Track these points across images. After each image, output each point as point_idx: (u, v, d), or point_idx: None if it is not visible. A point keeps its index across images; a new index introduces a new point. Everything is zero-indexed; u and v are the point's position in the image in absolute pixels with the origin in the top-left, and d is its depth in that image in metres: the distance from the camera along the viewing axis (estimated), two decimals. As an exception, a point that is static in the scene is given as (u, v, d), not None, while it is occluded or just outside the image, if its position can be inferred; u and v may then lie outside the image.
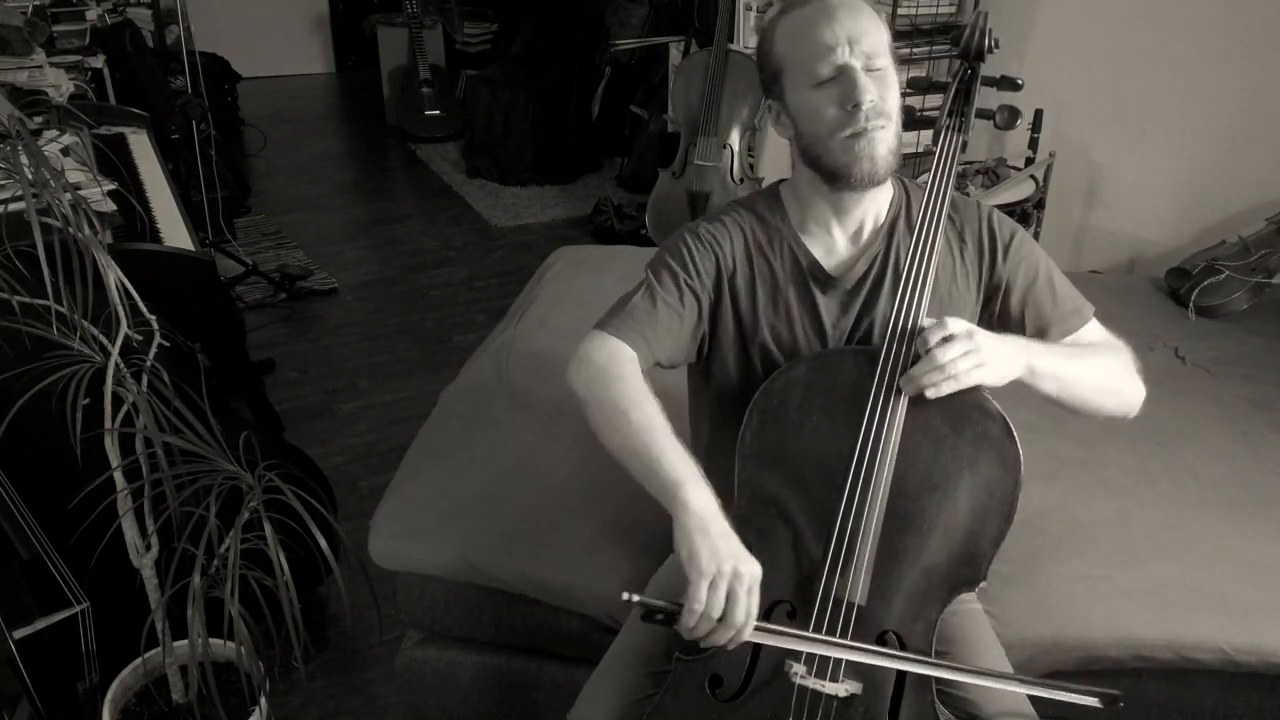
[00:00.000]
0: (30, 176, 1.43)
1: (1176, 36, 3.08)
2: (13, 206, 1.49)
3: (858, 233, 1.38)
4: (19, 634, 1.64)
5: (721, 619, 1.10)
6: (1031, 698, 1.28)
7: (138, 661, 1.69)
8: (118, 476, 1.51)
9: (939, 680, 1.25)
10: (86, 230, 1.44)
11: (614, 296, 1.38)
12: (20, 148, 1.46)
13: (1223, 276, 2.57)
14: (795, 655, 1.21)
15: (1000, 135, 3.52)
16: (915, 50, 3.42)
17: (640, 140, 4.89)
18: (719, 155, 3.75)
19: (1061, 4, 3.40)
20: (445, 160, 5.37)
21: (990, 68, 1.40)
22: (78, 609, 1.70)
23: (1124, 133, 3.28)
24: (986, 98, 1.39)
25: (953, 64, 1.40)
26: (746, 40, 3.96)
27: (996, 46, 1.37)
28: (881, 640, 1.22)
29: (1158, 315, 2.54)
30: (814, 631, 1.20)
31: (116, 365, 1.48)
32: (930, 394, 1.18)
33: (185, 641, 1.55)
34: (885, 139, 1.27)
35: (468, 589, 1.71)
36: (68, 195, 1.45)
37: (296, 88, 6.61)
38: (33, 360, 1.45)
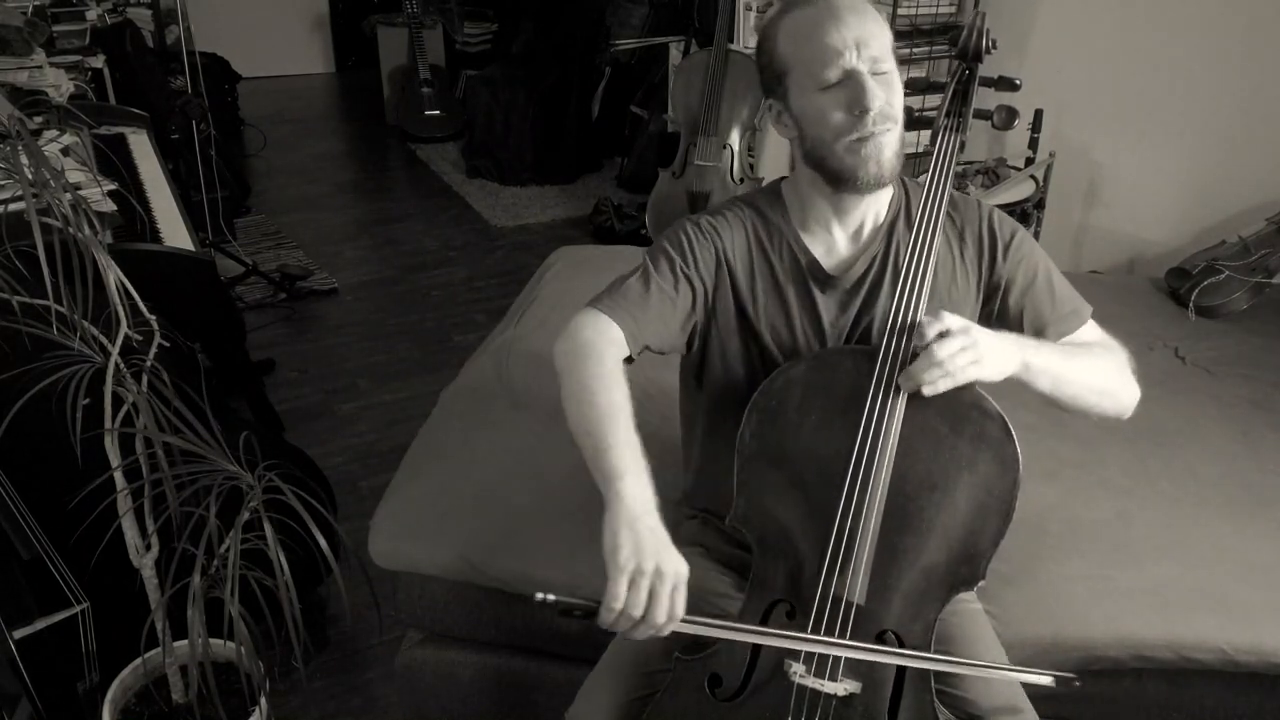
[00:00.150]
0: (30, 176, 1.43)
1: (1176, 36, 3.08)
2: (13, 206, 1.49)
3: (858, 232, 1.38)
4: (19, 634, 1.64)
5: (643, 617, 1.08)
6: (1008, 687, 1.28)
7: (138, 661, 1.69)
8: (118, 476, 1.51)
9: (937, 679, 1.25)
10: (86, 230, 1.44)
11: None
12: (20, 148, 1.46)
13: (1223, 276, 2.57)
14: (794, 654, 1.21)
15: (1000, 135, 3.52)
16: (915, 50, 3.42)
17: (640, 140, 4.89)
18: (719, 155, 3.75)
19: (1061, 4, 3.40)
20: (445, 160, 5.37)
21: (989, 68, 1.40)
22: (78, 609, 1.71)
23: (1124, 133, 3.29)
24: (985, 98, 1.39)
25: (951, 64, 1.40)
26: (746, 40, 3.96)
27: (994, 47, 1.37)
28: (881, 639, 1.22)
29: (1158, 315, 2.54)
30: (812, 631, 1.20)
31: (116, 365, 1.48)
32: (928, 391, 1.18)
33: (185, 641, 1.55)
34: (891, 142, 1.27)
35: (468, 589, 1.71)
36: (68, 195, 1.45)
37: (296, 88, 6.61)
38: (33, 360, 1.45)
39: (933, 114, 1.39)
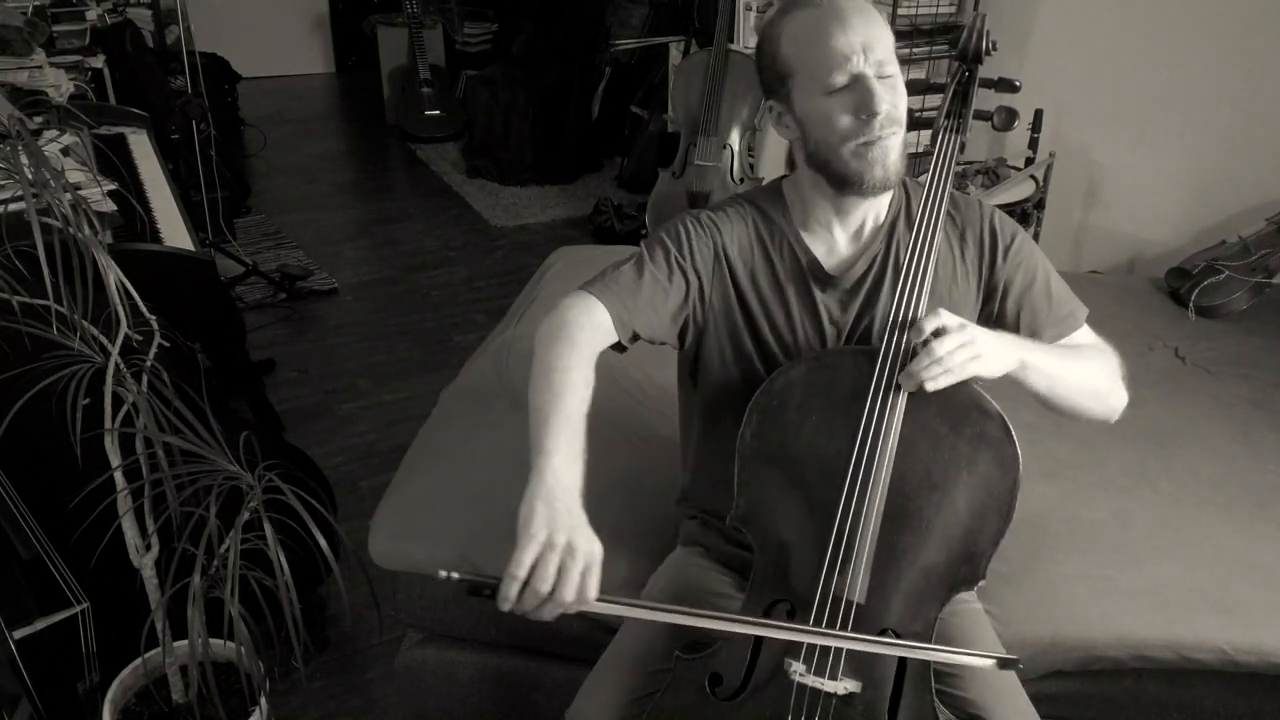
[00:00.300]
0: (30, 176, 1.43)
1: (1176, 36, 3.08)
2: (13, 206, 1.49)
3: (859, 232, 1.38)
4: (19, 634, 1.64)
5: (550, 594, 1.04)
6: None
7: (138, 661, 1.69)
8: (118, 476, 1.51)
9: (938, 678, 1.25)
10: (86, 230, 1.44)
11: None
12: (20, 148, 1.46)
13: (1223, 276, 2.57)
14: (794, 653, 1.21)
15: (1000, 135, 3.52)
16: (915, 51, 3.42)
17: (640, 140, 4.89)
18: (719, 155, 3.75)
19: (1061, 4, 3.40)
20: (445, 160, 5.37)
21: (989, 69, 1.40)
22: (78, 609, 1.70)
23: (1124, 133, 3.29)
24: (985, 99, 1.39)
25: (951, 65, 1.40)
26: (746, 40, 3.96)
27: (994, 48, 1.37)
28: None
29: (1158, 315, 2.54)
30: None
31: (116, 365, 1.48)
32: (929, 386, 1.18)
33: (185, 641, 1.55)
34: (896, 145, 1.27)
35: (468, 589, 1.71)
36: (68, 195, 1.45)
37: (296, 88, 6.61)
38: (33, 360, 1.45)
39: (933, 115, 1.39)
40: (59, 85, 3.11)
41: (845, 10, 1.25)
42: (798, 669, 1.20)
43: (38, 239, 1.36)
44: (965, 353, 1.17)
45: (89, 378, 1.45)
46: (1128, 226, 3.35)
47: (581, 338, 1.24)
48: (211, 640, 1.55)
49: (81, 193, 1.71)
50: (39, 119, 2.32)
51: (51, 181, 1.45)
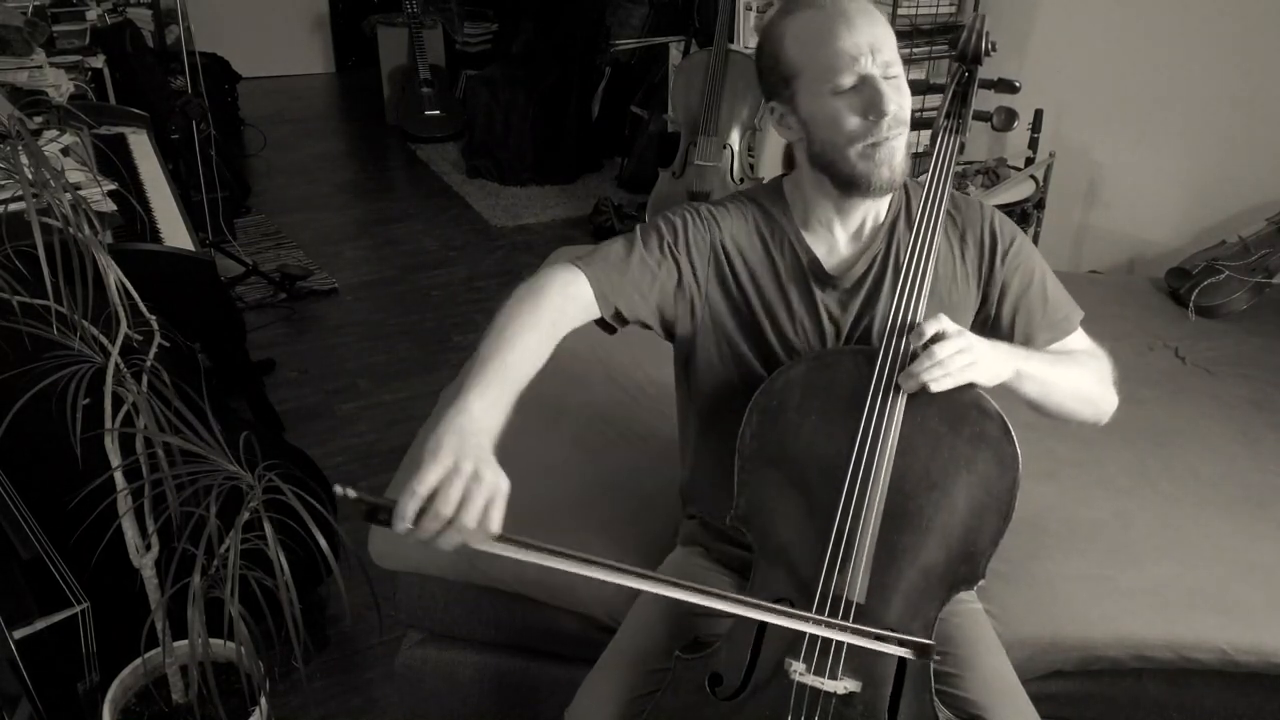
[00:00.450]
0: (30, 176, 1.43)
1: (1176, 36, 3.08)
2: (13, 206, 1.49)
3: (859, 231, 1.38)
4: (19, 634, 1.64)
5: (451, 520, 1.01)
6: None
7: (138, 661, 1.69)
8: (118, 476, 1.51)
9: (938, 678, 1.25)
10: (86, 230, 1.44)
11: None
12: (20, 148, 1.46)
13: (1223, 276, 2.57)
14: (794, 653, 1.21)
15: (1000, 135, 3.52)
16: (915, 51, 3.42)
17: (640, 140, 4.89)
18: (719, 155, 3.75)
19: (1061, 4, 3.40)
20: (445, 160, 5.37)
21: (989, 69, 1.40)
22: (78, 609, 1.70)
23: (1124, 133, 3.29)
24: (985, 99, 1.39)
25: (951, 66, 1.40)
26: (746, 40, 3.96)
27: (993, 49, 1.37)
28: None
29: (1158, 315, 2.54)
30: (809, 638, 1.20)
31: (116, 365, 1.48)
32: (932, 388, 1.18)
33: (185, 641, 1.55)
34: (902, 146, 1.27)
35: (468, 589, 1.71)
36: (68, 195, 1.46)
37: (296, 88, 6.61)
38: (33, 360, 1.45)
39: (933, 115, 1.39)
40: (59, 85, 3.11)
41: (850, 11, 1.25)
42: (798, 668, 1.20)
43: (38, 239, 1.36)
44: (963, 358, 1.17)
45: (89, 378, 1.45)
46: (1128, 226, 3.35)
47: (548, 304, 1.23)
48: (211, 640, 1.55)
49: (81, 193, 1.72)
50: (39, 119, 2.32)
51: (51, 181, 1.45)
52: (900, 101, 1.25)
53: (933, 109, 1.40)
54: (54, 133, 2.24)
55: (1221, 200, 3.04)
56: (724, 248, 1.36)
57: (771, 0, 3.89)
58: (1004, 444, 1.22)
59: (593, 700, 1.35)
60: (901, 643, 1.19)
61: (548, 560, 1.10)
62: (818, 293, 1.36)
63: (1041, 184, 3.22)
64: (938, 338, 1.18)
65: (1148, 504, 1.82)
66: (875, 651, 1.19)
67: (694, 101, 3.78)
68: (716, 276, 1.36)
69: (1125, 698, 1.63)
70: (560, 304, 1.25)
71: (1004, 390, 1.25)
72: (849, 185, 1.29)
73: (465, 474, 1.02)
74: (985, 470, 1.22)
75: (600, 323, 1.33)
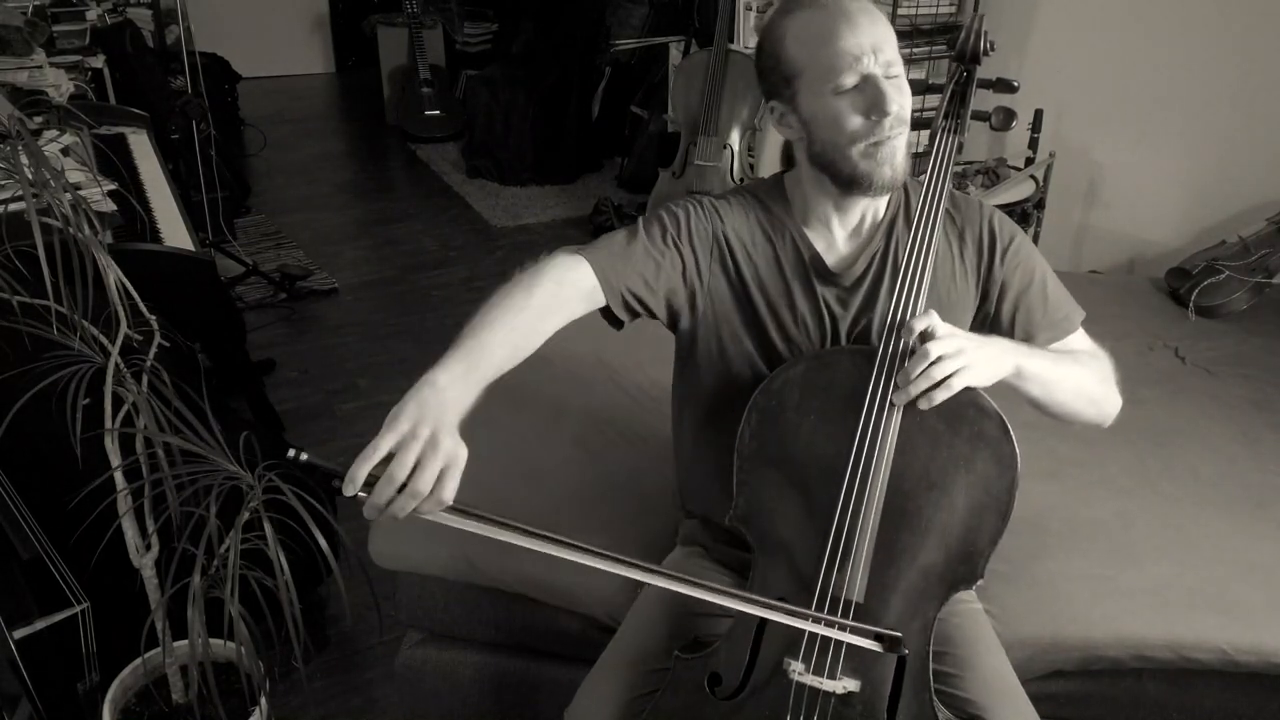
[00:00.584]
0: (30, 176, 1.43)
1: (1176, 36, 3.08)
2: (13, 206, 1.49)
3: (858, 228, 1.38)
4: (19, 634, 1.64)
5: (404, 486, 1.01)
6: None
7: (138, 661, 1.69)
8: (118, 476, 1.51)
9: (937, 678, 1.25)
10: (86, 230, 1.44)
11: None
12: (20, 148, 1.46)
13: (1223, 276, 2.57)
14: (794, 653, 1.21)
15: (1000, 135, 3.52)
16: (915, 51, 3.42)
17: (640, 140, 4.89)
18: (719, 155, 3.75)
19: (1061, 4, 3.40)
20: (445, 160, 5.37)
21: (988, 69, 1.40)
22: (78, 609, 1.70)
23: (1124, 133, 3.29)
24: (984, 99, 1.39)
25: (950, 65, 1.40)
26: (746, 40, 3.96)
27: (992, 49, 1.37)
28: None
29: (1158, 315, 2.54)
30: (809, 637, 1.20)
31: (116, 365, 1.48)
32: (923, 405, 1.18)
33: (185, 641, 1.55)
34: (903, 145, 1.27)
35: (468, 589, 1.71)
36: (68, 195, 1.46)
37: (296, 88, 6.61)
38: (33, 360, 1.45)
39: (932, 115, 1.39)
40: (59, 85, 3.12)
41: (852, 10, 1.25)
42: (797, 668, 1.20)
43: (38, 239, 1.36)
44: (953, 363, 1.16)
45: (89, 378, 1.45)
46: (1128, 226, 3.35)
47: (541, 289, 1.23)
48: (211, 640, 1.55)
49: (81, 193, 1.72)
50: (39, 119, 2.32)
51: (51, 181, 1.45)
52: (901, 101, 1.25)
53: (932, 109, 1.41)
54: (54, 133, 2.24)
55: (1221, 200, 3.04)
56: (726, 239, 1.36)
57: (771, 0, 3.89)
58: (1003, 443, 1.22)
59: (592, 700, 1.35)
60: (873, 635, 1.19)
61: (503, 534, 1.08)
62: (819, 288, 1.36)
63: (1041, 184, 3.22)
64: (927, 335, 1.18)
65: (1148, 504, 1.82)
66: (875, 651, 1.20)
67: (694, 101, 3.78)
68: (719, 268, 1.36)
69: (1125, 698, 1.63)
70: (555, 289, 1.25)
71: (1006, 389, 1.25)
72: (850, 184, 1.29)
73: (421, 438, 1.02)
74: (984, 470, 1.22)
75: (606, 316, 1.32)
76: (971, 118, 1.37)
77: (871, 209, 1.37)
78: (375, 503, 1.02)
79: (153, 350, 1.53)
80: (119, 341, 1.49)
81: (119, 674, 1.69)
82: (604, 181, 5.14)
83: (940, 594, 1.24)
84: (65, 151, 2.22)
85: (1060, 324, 1.40)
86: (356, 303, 3.82)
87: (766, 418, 1.26)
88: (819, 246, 1.37)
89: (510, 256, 4.25)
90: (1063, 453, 1.91)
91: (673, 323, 1.40)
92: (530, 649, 1.76)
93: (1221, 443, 2.01)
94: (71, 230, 1.42)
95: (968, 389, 1.21)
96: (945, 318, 1.22)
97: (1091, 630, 1.57)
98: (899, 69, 1.26)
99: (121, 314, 1.50)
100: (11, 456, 1.71)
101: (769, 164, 4.07)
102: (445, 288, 3.95)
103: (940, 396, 1.17)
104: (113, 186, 2.29)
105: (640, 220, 1.37)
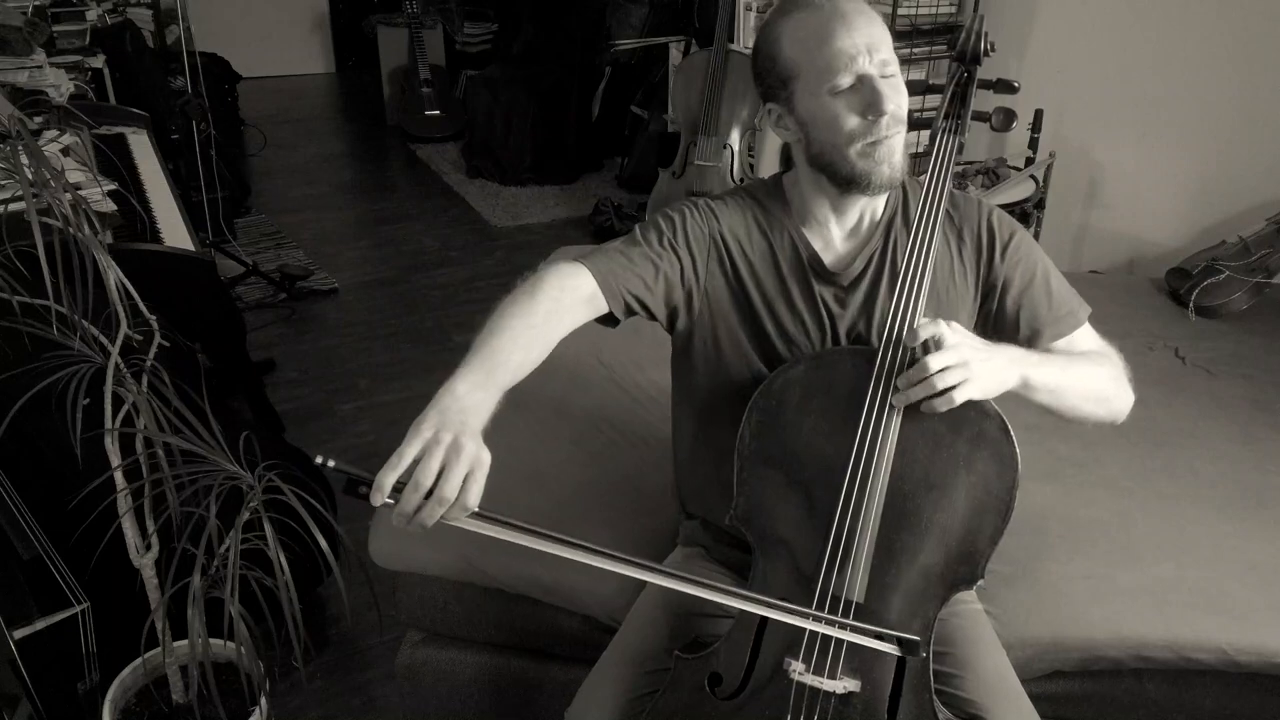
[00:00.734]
0: (30, 176, 1.43)
1: (1177, 36, 3.08)
2: (13, 206, 1.49)
3: (856, 228, 1.38)
4: (19, 634, 1.64)
5: (431, 492, 1.01)
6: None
7: (138, 661, 1.69)
8: (118, 476, 1.51)
9: (937, 678, 1.25)
10: (86, 230, 1.44)
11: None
12: (20, 148, 1.46)
13: (1223, 276, 2.57)
14: (794, 653, 1.21)
15: (1000, 136, 3.52)
16: (915, 51, 3.42)
17: (640, 140, 4.89)
18: (719, 155, 3.75)
19: (1061, 4, 3.40)
20: (445, 160, 5.37)
21: (989, 69, 1.40)
22: (78, 609, 1.70)
23: (1124, 133, 3.29)
24: (984, 100, 1.39)
25: (951, 66, 1.40)
26: (746, 40, 3.96)
27: (992, 50, 1.37)
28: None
29: (1158, 315, 2.54)
30: (809, 637, 1.20)
31: (116, 365, 1.48)
32: (925, 409, 1.18)
33: (185, 641, 1.55)
34: (900, 144, 1.27)
35: (468, 589, 1.71)
36: (68, 195, 1.45)
37: (296, 88, 6.62)
38: (33, 360, 1.45)
39: (932, 115, 1.39)
40: (59, 85, 3.12)
41: (847, 11, 1.25)
42: (797, 668, 1.20)
43: (38, 239, 1.36)
44: (956, 375, 1.16)
45: (89, 378, 1.45)
46: (1128, 226, 3.35)
47: (543, 296, 1.24)
48: (211, 640, 1.55)
49: (81, 193, 1.72)
50: (39, 119, 2.32)
51: (51, 181, 1.45)
52: (898, 100, 1.25)
53: (932, 109, 1.41)
54: (54, 133, 2.24)
55: (1221, 200, 3.04)
56: (723, 239, 1.36)
57: (771, 0, 3.89)
58: (1003, 444, 1.22)
59: (593, 700, 1.35)
60: (895, 640, 1.19)
61: (528, 540, 1.08)
62: (817, 287, 1.36)
63: (1041, 184, 3.22)
64: (931, 346, 1.18)
65: (1148, 504, 1.82)
66: (875, 651, 1.19)
67: (694, 101, 3.78)
68: (716, 268, 1.36)
69: (1125, 698, 1.63)
70: (557, 295, 1.25)
71: (1013, 394, 1.25)
72: (848, 184, 1.30)
73: (445, 444, 1.03)
74: (984, 470, 1.22)
75: (601, 318, 1.32)
76: (972, 118, 1.37)
77: (869, 208, 1.37)
78: (403, 510, 1.02)
79: (153, 350, 1.53)
80: (119, 341, 1.49)
81: (119, 674, 1.69)
82: (604, 181, 5.14)
83: (941, 594, 1.24)
84: (65, 151, 2.22)
85: (1065, 319, 1.40)
86: (356, 303, 3.82)
87: (766, 418, 1.26)
88: (817, 246, 1.37)
89: (510, 256, 4.25)
90: (1063, 453, 1.91)
91: (671, 324, 1.40)
92: (530, 649, 1.76)
93: (1221, 443, 2.01)
94: (71, 230, 1.42)
95: (969, 391, 1.21)
96: (944, 317, 1.22)
97: (1091, 630, 1.57)
98: (895, 68, 1.26)
99: (121, 314, 1.50)
100: (11, 456, 1.71)
101: (769, 164, 4.07)
102: (445, 288, 3.95)
103: (942, 407, 1.17)
104: (113, 186, 2.30)
105: (638, 226, 1.37)
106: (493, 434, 1.91)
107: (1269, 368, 2.30)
